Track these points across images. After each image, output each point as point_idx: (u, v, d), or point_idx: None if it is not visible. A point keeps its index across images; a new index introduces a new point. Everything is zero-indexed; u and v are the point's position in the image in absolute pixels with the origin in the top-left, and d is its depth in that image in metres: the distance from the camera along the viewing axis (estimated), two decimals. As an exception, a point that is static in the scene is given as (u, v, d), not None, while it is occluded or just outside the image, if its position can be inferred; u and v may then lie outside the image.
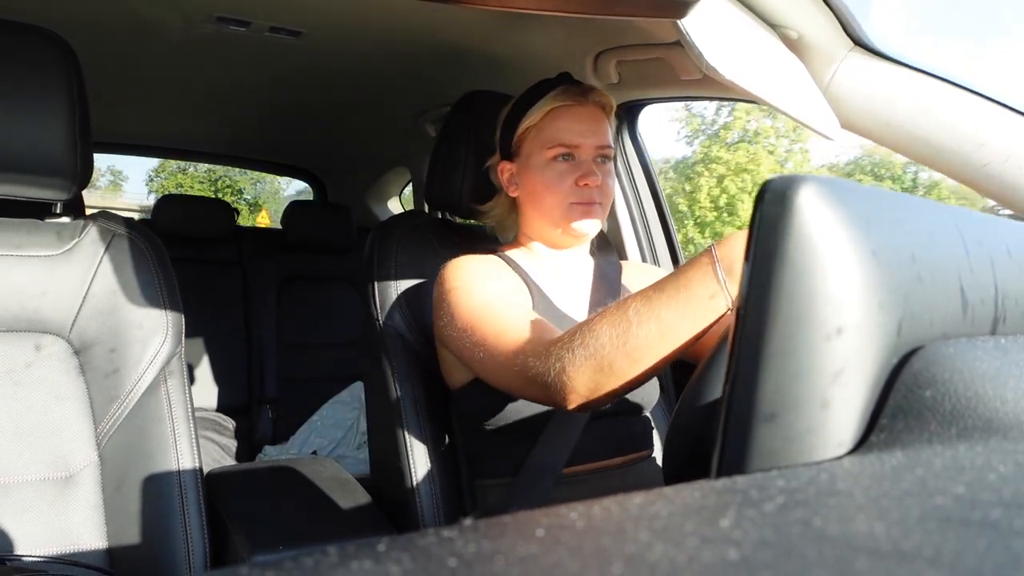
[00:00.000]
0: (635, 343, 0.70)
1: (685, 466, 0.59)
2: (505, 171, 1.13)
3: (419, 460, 1.14)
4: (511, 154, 1.12)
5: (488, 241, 1.24)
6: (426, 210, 1.41)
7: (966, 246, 0.37)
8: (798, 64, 0.97)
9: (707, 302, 0.67)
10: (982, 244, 0.38)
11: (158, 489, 0.98)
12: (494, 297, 0.96)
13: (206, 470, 1.12)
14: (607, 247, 1.27)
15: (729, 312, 0.67)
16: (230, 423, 2.25)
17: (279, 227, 2.69)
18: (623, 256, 1.57)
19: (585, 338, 0.74)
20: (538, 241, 1.13)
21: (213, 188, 20.46)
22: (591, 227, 1.08)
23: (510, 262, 1.11)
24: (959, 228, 0.38)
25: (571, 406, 0.77)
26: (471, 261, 1.05)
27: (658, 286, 0.71)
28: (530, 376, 0.80)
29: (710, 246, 0.69)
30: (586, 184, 1.04)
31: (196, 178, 21.10)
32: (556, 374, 0.75)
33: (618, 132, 1.59)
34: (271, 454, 2.19)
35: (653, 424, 1.15)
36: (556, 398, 0.78)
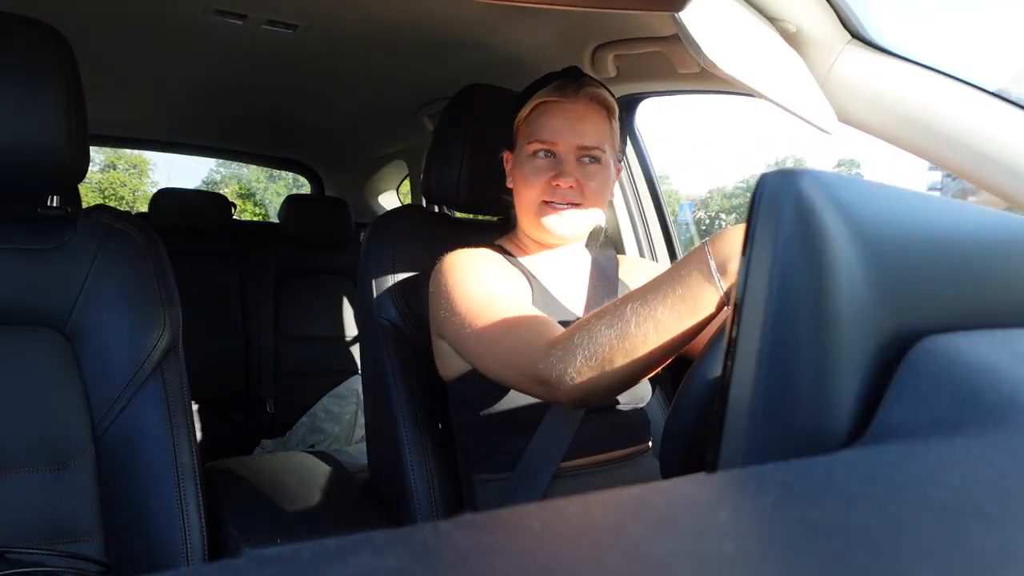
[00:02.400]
0: (633, 341, 0.71)
1: (682, 459, 0.59)
2: (507, 162, 1.13)
3: (416, 454, 1.14)
4: (512, 145, 1.12)
5: (485, 234, 1.24)
6: (423, 204, 1.40)
7: (959, 238, 0.37)
8: (796, 57, 0.97)
9: (702, 299, 0.68)
10: (975, 236, 0.38)
11: (156, 481, 0.99)
12: (493, 292, 0.96)
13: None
14: (606, 242, 1.27)
15: (724, 308, 0.68)
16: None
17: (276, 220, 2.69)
18: (621, 251, 1.57)
19: (584, 337, 0.75)
20: (528, 235, 1.13)
21: (102, 196, 24.08)
22: (562, 228, 1.05)
23: (507, 255, 1.11)
24: (952, 220, 0.38)
25: (571, 403, 0.79)
26: (469, 255, 1.05)
27: (654, 284, 0.72)
28: (531, 374, 0.81)
29: (704, 243, 0.69)
30: (557, 184, 1.03)
31: (89, 188, 26.26)
32: (557, 373, 0.77)
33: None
34: (269, 447, 2.19)
35: (650, 417, 1.15)
36: (556, 395, 0.79)
